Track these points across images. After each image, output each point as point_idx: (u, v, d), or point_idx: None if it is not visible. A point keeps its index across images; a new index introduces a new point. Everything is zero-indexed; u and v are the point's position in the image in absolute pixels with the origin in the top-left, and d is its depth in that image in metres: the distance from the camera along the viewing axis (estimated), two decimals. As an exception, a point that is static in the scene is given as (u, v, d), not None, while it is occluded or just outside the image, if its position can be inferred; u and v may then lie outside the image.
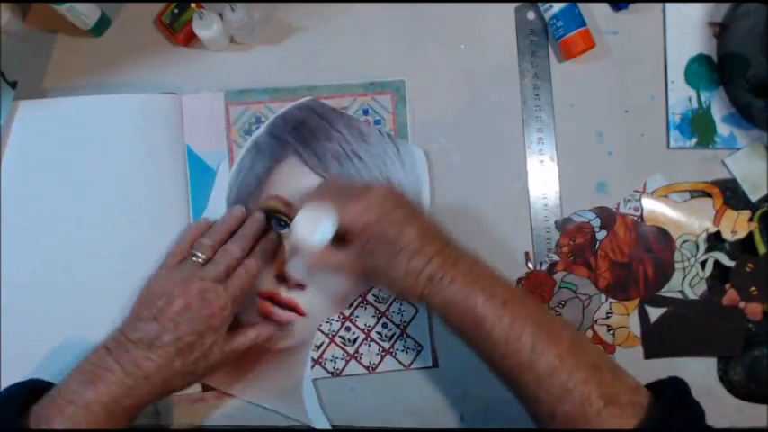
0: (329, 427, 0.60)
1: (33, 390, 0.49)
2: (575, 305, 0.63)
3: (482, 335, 0.47)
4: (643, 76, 0.64)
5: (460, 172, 0.63)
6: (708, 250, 0.63)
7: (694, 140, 0.63)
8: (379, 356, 0.61)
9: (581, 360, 0.46)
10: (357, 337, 0.61)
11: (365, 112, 0.62)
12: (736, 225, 0.63)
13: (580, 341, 0.48)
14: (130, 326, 0.51)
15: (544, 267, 0.63)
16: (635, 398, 0.45)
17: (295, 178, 0.60)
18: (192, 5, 0.57)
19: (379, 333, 0.61)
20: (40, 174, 0.59)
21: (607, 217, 0.63)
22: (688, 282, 0.63)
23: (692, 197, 0.64)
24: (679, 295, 0.63)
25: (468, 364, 0.60)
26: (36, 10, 0.62)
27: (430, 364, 0.61)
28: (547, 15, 0.62)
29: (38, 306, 0.58)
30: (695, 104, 0.64)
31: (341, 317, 0.61)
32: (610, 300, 0.63)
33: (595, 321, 0.63)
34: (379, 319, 0.61)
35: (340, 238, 0.51)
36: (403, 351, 0.61)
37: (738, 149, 0.64)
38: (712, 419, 0.62)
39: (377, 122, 0.62)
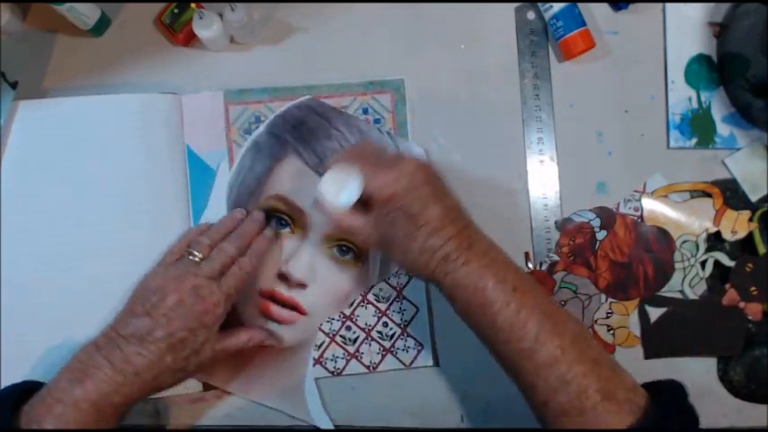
0: (331, 427, 0.60)
1: (25, 391, 0.49)
2: (575, 305, 0.63)
3: (488, 318, 0.47)
4: (643, 76, 0.64)
5: (460, 172, 0.63)
6: (708, 250, 0.63)
7: (694, 140, 0.63)
8: (379, 356, 0.61)
9: (582, 354, 0.46)
10: (358, 337, 0.61)
11: (365, 112, 0.62)
12: (736, 225, 0.63)
13: (584, 335, 0.48)
14: (122, 321, 0.51)
15: (544, 267, 0.63)
16: (632, 396, 0.45)
17: (295, 177, 0.60)
18: (192, 5, 0.57)
19: (379, 332, 0.61)
20: (40, 174, 0.59)
21: (607, 217, 0.63)
22: (688, 282, 0.63)
23: (692, 197, 0.64)
24: (679, 295, 0.63)
25: (469, 364, 0.60)
26: (36, 10, 0.62)
27: (431, 364, 0.61)
28: (547, 15, 0.62)
29: (38, 306, 0.58)
30: (695, 104, 0.64)
31: (341, 316, 0.61)
32: (610, 300, 0.63)
33: (595, 321, 0.63)
34: (379, 319, 0.61)
35: (363, 204, 0.51)
36: (404, 350, 0.61)
37: (738, 149, 0.64)
38: (712, 419, 0.63)
39: (376, 121, 0.62)
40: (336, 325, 0.61)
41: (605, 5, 0.64)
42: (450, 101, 0.63)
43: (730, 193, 0.63)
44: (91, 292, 0.57)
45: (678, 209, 0.63)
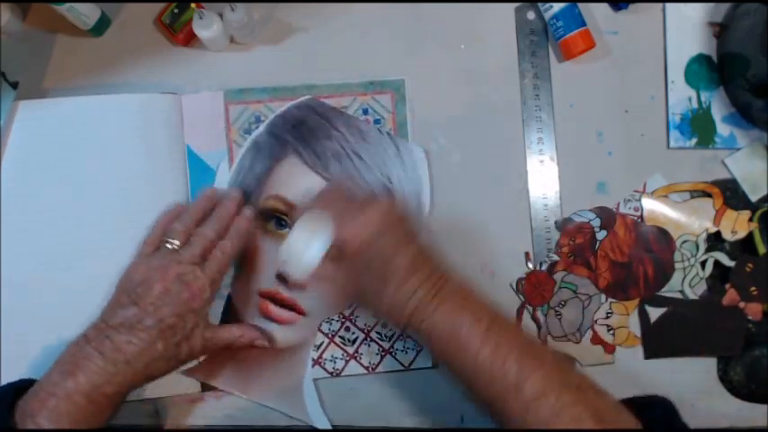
0: (329, 427, 0.60)
1: (22, 389, 0.49)
2: (575, 305, 0.63)
3: (467, 362, 0.46)
4: (643, 76, 0.64)
5: (460, 172, 0.63)
6: (708, 250, 0.63)
7: (694, 140, 0.63)
8: (378, 356, 0.61)
9: (566, 381, 0.45)
10: (357, 337, 0.61)
11: (365, 112, 0.62)
12: (736, 225, 0.63)
13: (563, 363, 0.48)
14: (110, 313, 0.52)
15: (544, 267, 0.63)
16: (619, 417, 0.45)
17: (295, 177, 0.60)
18: (192, 5, 0.57)
19: (378, 333, 0.61)
20: (40, 174, 0.59)
21: (607, 217, 0.63)
22: (688, 282, 0.63)
23: (692, 197, 0.64)
24: (679, 295, 0.63)
25: (468, 364, 0.60)
26: (36, 10, 0.62)
27: (430, 365, 0.61)
28: (547, 15, 0.62)
29: (38, 306, 0.58)
30: (695, 104, 0.64)
31: (341, 317, 0.61)
32: (610, 300, 0.63)
33: (595, 321, 0.63)
34: (379, 319, 0.61)
35: (335, 249, 0.50)
36: (403, 351, 0.61)
37: (738, 149, 0.64)
38: (712, 419, 0.63)
39: (377, 122, 0.62)
40: (335, 325, 0.61)
41: (605, 5, 0.64)
42: (450, 101, 0.63)
43: (730, 193, 0.63)
44: (91, 292, 0.56)
45: (678, 209, 0.63)
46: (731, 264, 0.63)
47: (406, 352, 0.61)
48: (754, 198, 0.63)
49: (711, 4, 0.64)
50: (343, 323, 0.61)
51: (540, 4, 0.62)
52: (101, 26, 0.61)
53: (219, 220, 0.56)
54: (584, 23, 0.61)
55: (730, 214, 0.63)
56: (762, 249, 0.63)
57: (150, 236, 0.56)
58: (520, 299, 0.62)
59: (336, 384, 0.61)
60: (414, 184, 0.61)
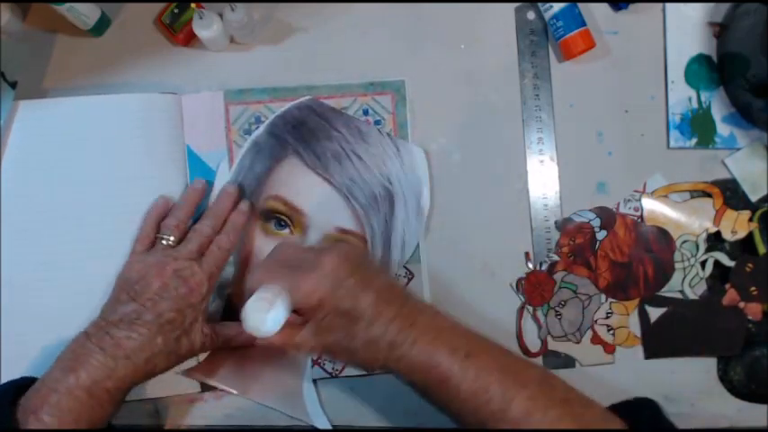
0: (329, 427, 0.60)
1: (23, 387, 0.49)
2: (575, 305, 0.63)
3: (450, 393, 0.46)
4: (643, 76, 0.64)
5: (460, 172, 0.63)
6: (708, 250, 0.63)
7: (694, 140, 0.63)
8: (379, 356, 0.61)
9: (551, 397, 0.45)
10: (357, 337, 0.61)
11: (365, 113, 0.62)
12: (736, 225, 0.63)
13: (546, 378, 0.47)
14: (110, 310, 0.52)
15: (544, 267, 0.63)
16: (608, 425, 0.45)
17: (295, 178, 0.60)
18: (192, 5, 0.57)
19: (379, 333, 0.61)
20: (40, 174, 0.59)
21: (607, 217, 0.63)
22: (688, 282, 0.63)
23: (692, 197, 0.64)
24: (679, 295, 0.63)
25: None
26: (36, 10, 0.62)
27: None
28: (547, 15, 0.62)
29: (38, 306, 0.58)
30: (695, 104, 0.64)
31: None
32: (610, 300, 0.63)
33: (595, 321, 0.63)
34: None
35: (297, 313, 0.49)
36: (403, 351, 0.61)
37: (738, 149, 0.64)
38: (712, 419, 0.63)
39: (377, 123, 0.62)
40: (336, 325, 0.61)
41: (605, 5, 0.64)
42: (450, 101, 0.63)
43: (730, 193, 0.63)
44: (91, 292, 0.57)
45: (678, 209, 0.63)
46: (731, 264, 0.63)
47: (406, 352, 0.61)
48: (754, 198, 0.63)
49: (711, 4, 0.64)
50: (343, 323, 0.61)
51: (540, 4, 0.62)
52: (101, 26, 0.61)
53: (215, 215, 0.57)
54: (584, 23, 0.61)
55: (730, 214, 0.63)
56: (762, 249, 0.63)
57: (142, 233, 0.56)
58: (520, 299, 0.63)
59: (336, 384, 0.61)
60: (414, 184, 0.61)
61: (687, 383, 0.63)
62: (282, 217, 0.60)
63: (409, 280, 0.61)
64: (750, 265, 0.63)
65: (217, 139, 0.61)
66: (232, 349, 0.58)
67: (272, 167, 0.60)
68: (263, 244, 0.60)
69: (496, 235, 0.63)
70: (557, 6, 0.61)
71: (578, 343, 0.62)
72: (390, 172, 0.61)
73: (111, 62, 0.62)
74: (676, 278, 0.63)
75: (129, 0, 0.62)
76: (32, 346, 0.57)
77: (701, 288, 0.63)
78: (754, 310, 0.63)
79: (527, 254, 0.63)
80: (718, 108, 0.64)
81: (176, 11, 0.61)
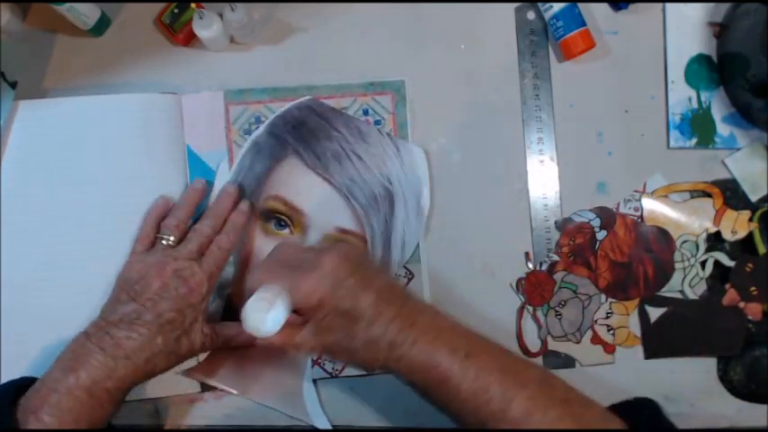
0: (329, 427, 0.60)
1: (23, 387, 0.49)
2: (575, 305, 0.63)
3: (450, 393, 0.46)
4: (643, 76, 0.64)
5: (460, 172, 0.63)
6: (708, 250, 0.63)
7: (694, 140, 0.63)
8: (379, 356, 0.61)
9: (551, 397, 0.45)
10: (357, 337, 0.61)
11: (365, 113, 0.62)
12: (736, 225, 0.63)
13: (546, 378, 0.47)
14: (110, 310, 0.52)
15: (544, 267, 0.63)
16: (608, 425, 0.45)
17: (295, 178, 0.60)
18: (192, 5, 0.57)
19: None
20: (40, 174, 0.59)
21: (607, 217, 0.63)
22: (688, 282, 0.63)
23: (692, 197, 0.64)
24: (679, 295, 0.63)
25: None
26: (36, 10, 0.62)
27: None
28: (547, 15, 0.62)
29: (38, 306, 0.58)
30: (695, 104, 0.64)
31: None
32: (610, 300, 0.63)
33: (595, 321, 0.63)
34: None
35: (297, 312, 0.48)
36: (403, 351, 0.61)
37: (738, 149, 0.64)
38: (712, 419, 0.63)
39: (377, 123, 0.62)
40: (336, 325, 0.61)
41: (605, 5, 0.64)
42: (450, 101, 0.63)
43: (730, 193, 0.63)
44: (91, 292, 0.57)
45: (678, 209, 0.63)
46: (731, 264, 0.63)
47: (406, 352, 0.61)
48: (754, 198, 0.63)
49: (711, 4, 0.64)
50: (343, 323, 0.61)
51: (540, 4, 0.62)
52: (101, 26, 0.61)
53: (215, 215, 0.57)
54: (584, 23, 0.61)
55: (730, 214, 0.63)
56: (762, 249, 0.63)
57: (142, 233, 0.56)
58: (520, 299, 0.63)
59: (336, 384, 0.61)
60: (414, 184, 0.61)
61: (687, 383, 0.63)
62: (282, 217, 0.60)
63: (409, 280, 0.61)
64: (750, 265, 0.63)
65: (217, 139, 0.61)
66: (232, 349, 0.58)
67: (272, 167, 0.61)
68: (263, 244, 0.60)
69: (496, 235, 0.63)
70: (557, 6, 0.61)
71: (578, 343, 0.62)
72: (390, 172, 0.61)
73: (111, 62, 0.62)
74: (676, 278, 0.63)
75: (129, 0, 0.62)
76: (32, 346, 0.57)
77: (701, 288, 0.63)
78: (754, 310, 0.63)
79: (527, 254, 0.63)
80: (718, 108, 0.64)
81: (176, 11, 0.61)
